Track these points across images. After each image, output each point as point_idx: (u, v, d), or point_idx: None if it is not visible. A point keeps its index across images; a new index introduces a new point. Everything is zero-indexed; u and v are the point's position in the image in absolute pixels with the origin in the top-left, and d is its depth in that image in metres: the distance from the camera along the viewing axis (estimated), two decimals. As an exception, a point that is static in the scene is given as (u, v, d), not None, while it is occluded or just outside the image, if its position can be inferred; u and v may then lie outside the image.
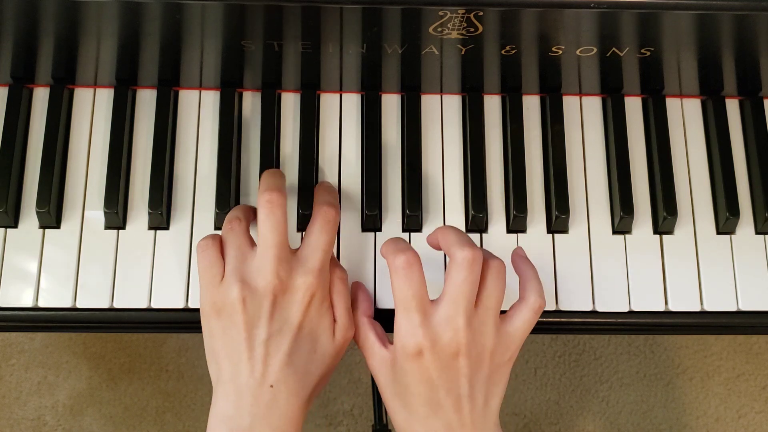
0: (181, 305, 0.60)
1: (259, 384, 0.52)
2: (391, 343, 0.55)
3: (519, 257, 0.59)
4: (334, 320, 0.56)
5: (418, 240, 0.62)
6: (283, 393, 0.52)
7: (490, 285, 0.53)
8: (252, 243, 0.56)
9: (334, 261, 0.59)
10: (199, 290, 0.55)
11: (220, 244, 0.56)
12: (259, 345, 0.52)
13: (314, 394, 0.55)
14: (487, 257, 0.54)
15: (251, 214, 0.59)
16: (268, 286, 0.53)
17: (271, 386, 0.52)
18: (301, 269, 0.54)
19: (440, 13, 0.52)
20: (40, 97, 0.64)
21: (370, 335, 0.56)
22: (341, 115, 0.65)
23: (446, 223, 0.62)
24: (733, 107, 0.66)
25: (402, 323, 0.52)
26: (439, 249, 0.57)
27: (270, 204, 0.54)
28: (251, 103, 0.65)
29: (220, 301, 0.53)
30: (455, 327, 0.51)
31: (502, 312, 0.55)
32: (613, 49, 0.58)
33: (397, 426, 0.55)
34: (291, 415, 0.52)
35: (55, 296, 0.60)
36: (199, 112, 0.65)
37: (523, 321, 0.54)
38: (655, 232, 0.63)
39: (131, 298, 0.60)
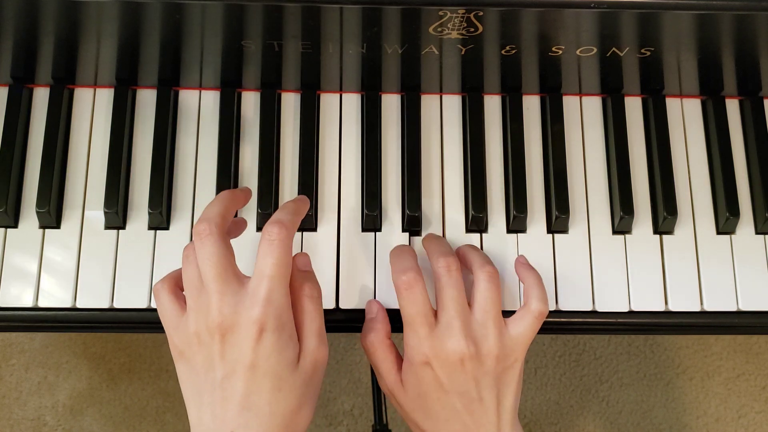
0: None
1: (218, 431, 0.48)
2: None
3: (521, 264, 0.60)
4: (300, 347, 0.51)
5: (418, 240, 0.62)
6: None
7: (482, 288, 0.55)
8: None
9: (304, 276, 0.53)
10: None
11: (175, 280, 0.53)
12: (215, 388, 0.49)
13: (292, 430, 0.50)
14: (481, 263, 0.56)
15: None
16: (213, 326, 0.48)
17: None
18: (246, 302, 0.49)
19: (440, 13, 0.52)
20: (40, 97, 0.64)
21: (389, 358, 0.56)
22: (341, 115, 0.65)
23: (446, 224, 0.62)
24: (733, 107, 0.66)
25: (410, 338, 0.54)
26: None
27: (198, 235, 0.50)
28: (251, 103, 0.65)
29: (180, 343, 0.51)
30: (454, 333, 0.53)
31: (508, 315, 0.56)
32: (613, 49, 0.58)
33: None
34: None
35: (55, 296, 0.60)
36: (199, 112, 0.65)
37: (524, 326, 0.55)
38: (655, 232, 0.63)
39: (131, 298, 0.60)
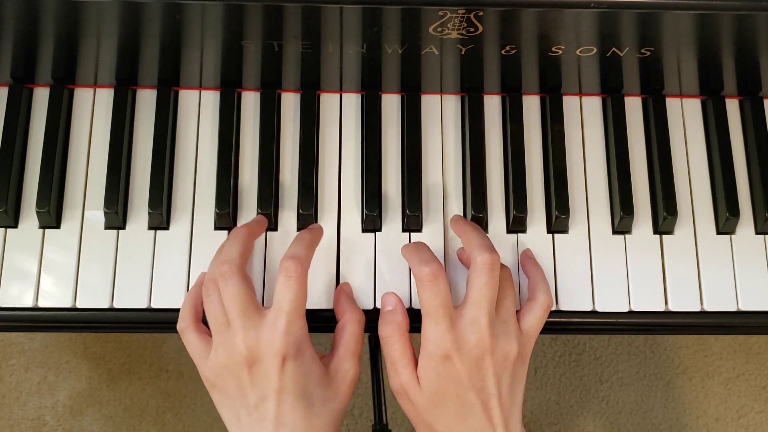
0: (181, 305, 0.60)
1: None
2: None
3: (528, 258, 0.61)
4: (329, 366, 0.56)
5: (419, 240, 0.62)
6: None
7: (506, 288, 0.56)
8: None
9: (347, 303, 0.58)
10: None
11: (195, 317, 0.57)
12: (251, 411, 0.53)
13: None
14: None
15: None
16: (240, 359, 0.53)
17: None
18: (268, 335, 0.53)
19: (440, 13, 0.52)
20: (40, 97, 0.64)
21: (406, 353, 0.56)
22: (341, 115, 0.65)
23: (446, 224, 0.62)
24: (733, 107, 0.66)
25: (430, 331, 0.54)
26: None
27: (222, 276, 0.54)
28: (251, 103, 0.65)
29: (211, 375, 0.55)
30: (480, 329, 0.53)
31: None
32: (613, 49, 0.58)
33: None
34: None
35: (55, 296, 0.60)
36: (199, 112, 0.65)
37: (535, 318, 0.56)
38: (655, 232, 0.63)
39: (131, 298, 0.60)
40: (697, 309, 0.62)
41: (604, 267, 0.62)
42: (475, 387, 0.53)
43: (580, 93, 0.66)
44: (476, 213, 0.61)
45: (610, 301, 0.61)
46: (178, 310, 0.59)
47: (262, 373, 0.53)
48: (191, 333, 0.57)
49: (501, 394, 0.53)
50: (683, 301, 0.62)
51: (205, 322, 0.57)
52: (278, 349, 0.52)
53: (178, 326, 0.57)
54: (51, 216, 0.60)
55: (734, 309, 0.62)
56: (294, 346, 0.53)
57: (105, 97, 0.64)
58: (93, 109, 0.64)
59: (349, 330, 0.57)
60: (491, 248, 0.55)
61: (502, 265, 0.57)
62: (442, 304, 0.53)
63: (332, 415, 0.54)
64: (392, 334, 0.56)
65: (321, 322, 0.60)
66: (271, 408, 0.52)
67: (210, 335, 0.56)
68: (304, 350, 0.54)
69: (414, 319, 0.57)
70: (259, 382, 0.53)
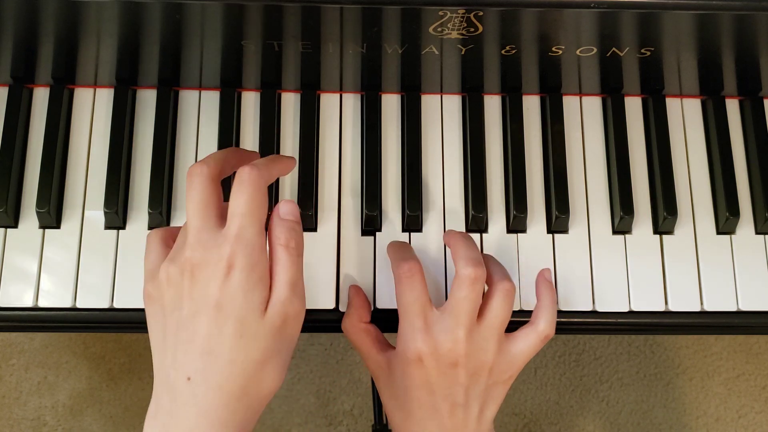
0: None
1: (175, 377, 0.46)
2: (393, 347, 0.56)
3: (543, 279, 0.59)
4: (270, 295, 0.48)
5: (419, 240, 0.62)
6: (201, 387, 0.46)
7: (496, 305, 0.54)
8: None
9: (282, 225, 0.50)
10: None
11: (170, 232, 0.53)
12: (179, 329, 0.47)
13: (254, 387, 0.47)
14: (501, 277, 0.55)
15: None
16: (184, 262, 0.47)
17: (189, 379, 0.46)
18: (219, 239, 0.47)
19: (440, 13, 0.52)
20: (40, 97, 0.64)
21: (366, 341, 0.57)
22: (341, 115, 0.65)
23: (446, 224, 0.62)
24: (733, 107, 0.66)
25: (404, 327, 0.54)
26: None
27: (189, 175, 0.49)
28: (251, 103, 0.65)
29: (151, 288, 0.49)
30: (455, 338, 0.52)
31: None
32: (613, 49, 0.58)
33: (394, 426, 0.56)
34: (212, 413, 0.45)
35: (55, 296, 0.60)
36: (199, 112, 0.65)
37: (527, 345, 0.55)
38: (655, 232, 0.63)
39: (131, 298, 0.60)
40: (697, 309, 0.62)
41: (604, 267, 0.62)
42: (443, 393, 0.53)
43: (580, 93, 0.66)
44: (476, 213, 0.61)
45: (610, 301, 0.61)
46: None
47: (202, 281, 0.47)
48: (154, 240, 0.52)
49: (469, 404, 0.53)
50: (683, 301, 0.62)
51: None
52: (226, 254, 0.46)
53: (148, 233, 0.52)
54: (51, 216, 0.60)
55: (734, 309, 0.62)
56: (244, 255, 0.47)
57: (105, 97, 0.64)
58: (93, 109, 0.64)
59: (280, 257, 0.49)
60: (477, 262, 0.53)
61: (505, 282, 0.54)
62: (416, 299, 0.53)
63: (263, 356, 0.47)
64: (346, 326, 0.57)
65: (321, 322, 0.60)
66: (201, 326, 0.46)
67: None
68: (255, 265, 0.47)
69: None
70: (197, 292, 0.47)
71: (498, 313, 0.54)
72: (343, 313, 0.60)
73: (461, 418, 0.53)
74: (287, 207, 0.51)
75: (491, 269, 0.56)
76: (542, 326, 0.55)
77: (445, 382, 0.52)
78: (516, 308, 0.60)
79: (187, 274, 0.47)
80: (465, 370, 0.52)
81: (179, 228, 0.52)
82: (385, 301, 0.60)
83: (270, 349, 0.47)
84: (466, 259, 0.53)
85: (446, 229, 0.62)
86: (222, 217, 0.49)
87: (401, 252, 0.57)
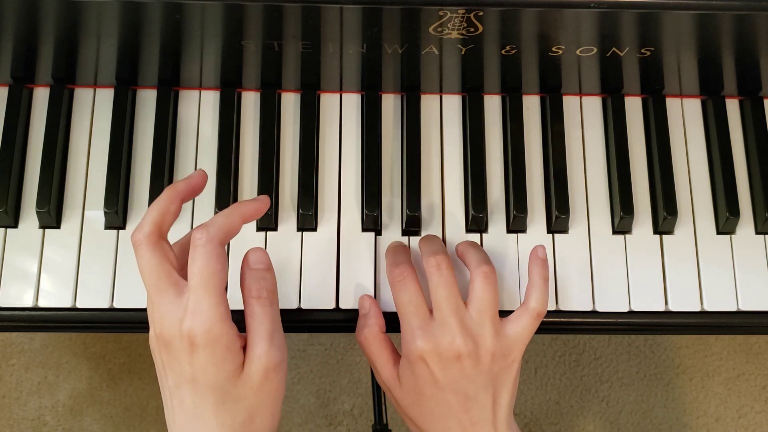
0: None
1: None
2: (401, 356, 0.56)
3: (535, 257, 0.58)
4: (247, 354, 0.48)
5: (416, 241, 0.62)
6: None
7: (478, 289, 0.54)
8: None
9: (252, 276, 0.50)
10: None
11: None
12: (171, 396, 0.49)
13: None
14: (477, 262, 0.55)
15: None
16: (155, 337, 0.49)
17: None
18: (176, 313, 0.47)
19: (440, 13, 0.52)
20: (40, 97, 0.64)
21: (384, 352, 0.57)
22: (341, 115, 0.65)
23: (446, 224, 0.62)
24: (733, 107, 0.66)
25: (404, 330, 0.55)
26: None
27: (133, 245, 0.50)
28: (251, 103, 0.65)
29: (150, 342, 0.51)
30: (451, 330, 0.53)
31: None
32: (613, 49, 0.58)
33: None
34: None
35: (55, 296, 0.59)
36: (199, 112, 0.65)
37: (522, 325, 0.55)
38: (655, 232, 0.63)
39: (131, 298, 0.60)
40: (697, 309, 0.62)
41: (604, 267, 0.62)
42: (451, 388, 0.53)
43: (580, 93, 0.66)
44: (476, 213, 0.61)
45: (610, 301, 0.61)
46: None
47: (174, 354, 0.48)
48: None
49: (479, 395, 0.53)
50: (683, 301, 0.62)
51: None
52: (185, 332, 0.46)
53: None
54: (51, 216, 0.60)
55: (734, 309, 0.62)
56: (203, 331, 0.46)
57: (105, 97, 0.64)
58: (93, 109, 0.64)
59: (255, 311, 0.49)
60: (436, 251, 0.55)
61: (484, 266, 0.55)
62: (410, 301, 0.54)
63: (248, 415, 0.48)
64: (366, 337, 0.57)
65: (321, 322, 0.60)
66: (186, 397, 0.48)
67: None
68: (219, 337, 0.47)
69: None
70: (174, 366, 0.48)
71: (482, 296, 0.54)
72: (343, 312, 0.60)
73: (475, 410, 0.53)
74: (255, 256, 0.52)
75: (468, 256, 0.57)
76: (533, 304, 0.55)
77: (452, 376, 0.53)
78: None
79: (162, 348, 0.48)
80: (469, 360, 0.52)
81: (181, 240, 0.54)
82: (388, 303, 0.60)
83: (255, 405, 0.49)
84: (428, 252, 0.56)
85: (446, 230, 0.62)
86: (179, 280, 0.49)
87: (394, 256, 0.58)
